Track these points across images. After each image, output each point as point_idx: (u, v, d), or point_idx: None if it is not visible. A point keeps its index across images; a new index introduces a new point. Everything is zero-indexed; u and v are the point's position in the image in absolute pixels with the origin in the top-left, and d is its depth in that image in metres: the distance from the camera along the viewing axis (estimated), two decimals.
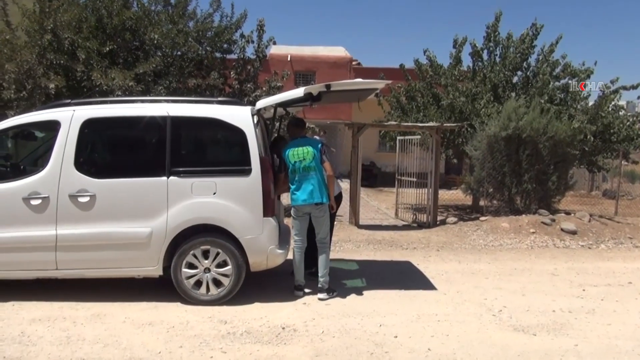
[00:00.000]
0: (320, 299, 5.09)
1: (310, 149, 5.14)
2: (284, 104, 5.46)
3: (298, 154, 5.15)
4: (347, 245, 8.01)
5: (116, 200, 4.80)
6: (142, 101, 5.45)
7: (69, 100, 5.23)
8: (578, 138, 10.32)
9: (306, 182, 5.12)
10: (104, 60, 8.60)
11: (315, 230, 5.27)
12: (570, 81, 11.54)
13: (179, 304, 4.84)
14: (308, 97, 5.02)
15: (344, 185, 8.63)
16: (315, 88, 5.01)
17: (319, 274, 5.19)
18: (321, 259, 5.22)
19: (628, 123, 11.31)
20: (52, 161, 4.81)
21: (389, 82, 6.15)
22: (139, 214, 4.78)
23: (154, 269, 4.85)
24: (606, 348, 4.04)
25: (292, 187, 5.21)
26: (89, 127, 4.92)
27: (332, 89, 5.03)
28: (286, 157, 5.21)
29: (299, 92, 4.92)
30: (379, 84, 5.76)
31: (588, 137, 10.57)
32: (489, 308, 4.94)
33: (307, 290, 5.27)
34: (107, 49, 8.66)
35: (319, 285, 5.18)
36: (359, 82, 5.82)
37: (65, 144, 4.81)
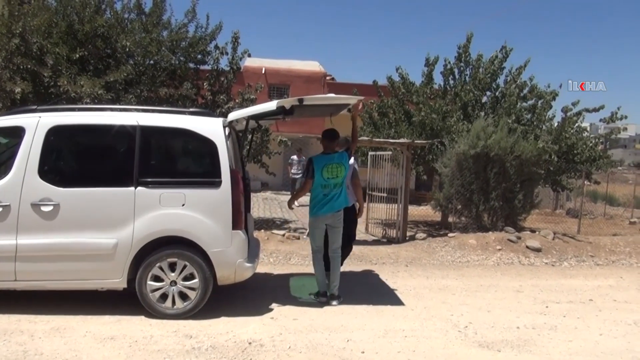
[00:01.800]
0: (333, 305, 5.36)
1: (342, 167, 5.40)
2: (257, 117, 5.46)
3: (332, 170, 5.36)
4: None
5: (81, 210, 4.68)
6: (112, 109, 5.36)
7: (35, 106, 5.08)
8: (543, 158, 10.62)
9: (334, 194, 5.37)
10: (73, 67, 8.43)
11: (329, 240, 5.50)
12: (537, 102, 11.92)
13: (143, 317, 4.72)
14: (281, 111, 5.03)
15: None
16: (288, 102, 5.03)
17: (334, 282, 5.44)
18: (336, 268, 5.47)
19: (591, 144, 11.73)
20: (14, 168, 4.66)
21: (362, 98, 6.21)
22: (105, 224, 4.67)
23: (118, 282, 4.73)
24: None
25: (319, 199, 5.39)
26: (55, 135, 4.79)
27: (305, 103, 5.05)
28: (318, 172, 5.35)
29: (271, 105, 4.93)
30: (352, 99, 5.81)
31: (553, 157, 10.89)
32: (455, 324, 4.99)
33: (308, 298, 5.53)
34: (77, 55, 8.48)
35: (333, 292, 5.43)
36: (331, 97, 5.88)
37: (29, 151, 4.67)
